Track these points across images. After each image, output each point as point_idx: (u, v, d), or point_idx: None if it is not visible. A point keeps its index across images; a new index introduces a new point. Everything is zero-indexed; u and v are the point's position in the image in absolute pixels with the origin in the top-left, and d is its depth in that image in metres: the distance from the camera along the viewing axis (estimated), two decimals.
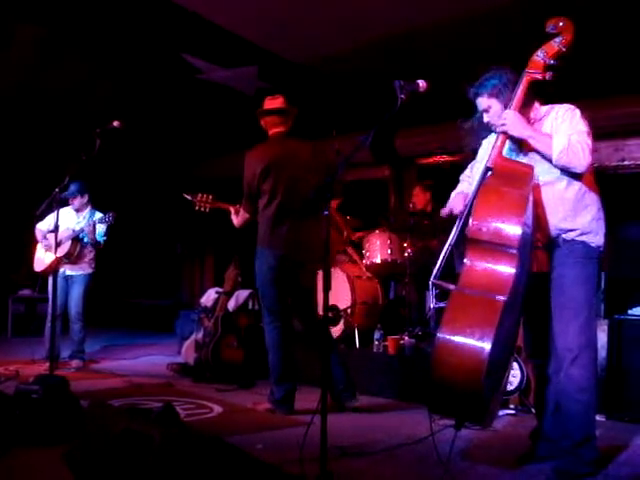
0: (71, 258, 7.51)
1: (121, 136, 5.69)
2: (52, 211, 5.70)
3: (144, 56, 7.97)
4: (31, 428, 4.13)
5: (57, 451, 3.34)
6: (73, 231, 7.45)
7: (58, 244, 7.32)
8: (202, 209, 6.00)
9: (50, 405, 4.23)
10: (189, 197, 6.03)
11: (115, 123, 5.47)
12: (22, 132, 10.03)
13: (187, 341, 7.46)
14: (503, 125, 3.65)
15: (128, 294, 12.83)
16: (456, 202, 3.97)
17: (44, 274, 7.80)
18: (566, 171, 3.60)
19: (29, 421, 4.15)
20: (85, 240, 7.54)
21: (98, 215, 7.59)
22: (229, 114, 6.16)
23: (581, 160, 3.51)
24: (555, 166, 3.60)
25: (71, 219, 7.63)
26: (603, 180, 3.99)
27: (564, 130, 3.60)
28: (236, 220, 5.74)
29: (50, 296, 7.18)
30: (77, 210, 7.68)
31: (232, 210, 5.77)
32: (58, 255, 7.35)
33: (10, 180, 10.78)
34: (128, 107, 8.99)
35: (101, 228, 7.52)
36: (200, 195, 6.00)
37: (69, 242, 7.45)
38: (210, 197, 5.99)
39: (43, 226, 7.62)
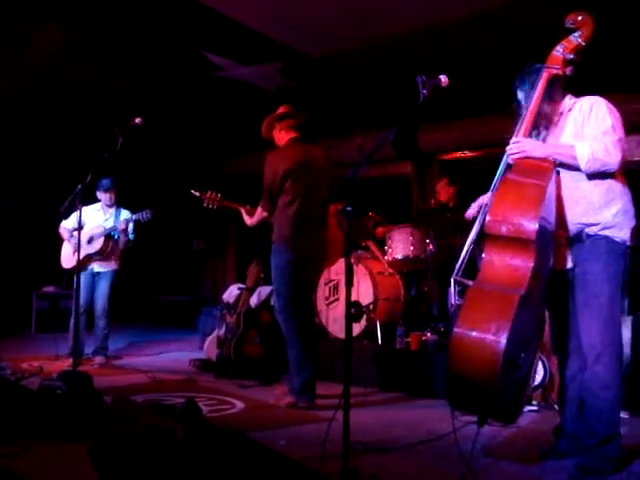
0: (104, 254, 7.57)
1: (145, 133, 5.72)
2: (76, 208, 5.75)
3: (166, 53, 8.00)
4: (55, 423, 4.17)
5: (80, 446, 3.36)
6: (104, 228, 7.53)
7: (89, 240, 7.43)
8: (210, 206, 6.07)
9: (74, 401, 4.26)
10: (197, 194, 6.10)
11: (137, 120, 5.49)
12: (45, 130, 10.10)
13: (209, 337, 7.48)
14: (522, 152, 3.60)
15: (151, 290, 12.90)
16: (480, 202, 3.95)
17: (73, 271, 7.85)
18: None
19: (53, 416, 4.19)
20: (116, 237, 7.61)
21: (125, 213, 7.65)
22: (255, 111, 6.21)
23: (610, 160, 3.48)
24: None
25: (98, 216, 7.70)
26: (627, 175, 3.95)
27: (588, 133, 3.57)
28: (250, 220, 5.84)
29: (76, 293, 7.22)
30: (109, 206, 7.76)
31: (243, 211, 5.90)
32: (91, 251, 7.45)
33: (33, 177, 10.86)
34: (152, 104, 9.02)
35: (130, 226, 7.59)
36: (209, 193, 6.06)
37: (102, 239, 7.53)
38: (219, 195, 6.05)
39: (69, 224, 7.67)
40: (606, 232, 3.61)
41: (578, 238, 3.66)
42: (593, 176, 3.58)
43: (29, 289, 10.62)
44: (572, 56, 3.63)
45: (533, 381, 5.06)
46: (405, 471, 3.76)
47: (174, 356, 8.42)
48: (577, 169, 3.57)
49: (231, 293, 7.75)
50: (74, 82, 8.65)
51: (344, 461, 3.20)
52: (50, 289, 10.68)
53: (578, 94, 3.79)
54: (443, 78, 3.70)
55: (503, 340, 3.12)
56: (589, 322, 3.59)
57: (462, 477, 3.52)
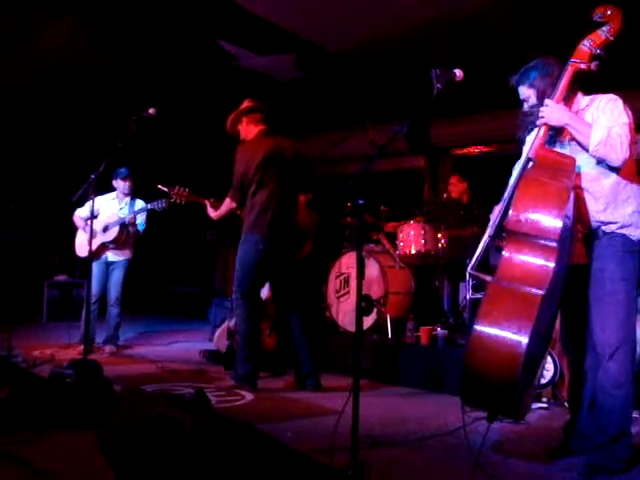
0: (118, 243, 7.60)
1: (159, 123, 5.73)
2: (90, 198, 5.78)
3: (182, 43, 8.01)
4: (65, 411, 4.18)
5: (90, 434, 3.37)
6: (119, 217, 7.57)
7: (104, 229, 7.47)
8: (178, 201, 6.19)
9: (84, 389, 4.28)
10: (165, 189, 6.19)
11: (151, 110, 5.49)
12: (58, 119, 10.11)
13: (219, 328, 7.48)
14: (542, 117, 3.60)
15: (162, 281, 12.92)
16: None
17: (87, 259, 7.86)
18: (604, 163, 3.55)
19: (63, 404, 4.21)
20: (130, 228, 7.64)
21: (139, 203, 7.69)
22: (269, 101, 6.23)
23: (618, 154, 3.44)
24: (592, 157, 3.54)
25: (113, 205, 7.73)
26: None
27: (604, 121, 3.53)
28: (214, 213, 5.97)
29: (88, 282, 7.24)
30: (126, 194, 7.80)
31: (208, 204, 6.01)
32: (106, 240, 7.47)
33: (45, 166, 10.88)
34: (164, 94, 9.02)
35: (141, 218, 7.61)
36: (177, 188, 6.16)
37: (117, 228, 7.55)
38: (186, 190, 6.16)
39: (83, 212, 7.69)
40: (623, 230, 3.57)
41: (595, 235, 3.63)
42: (612, 174, 3.55)
43: (41, 278, 10.66)
44: (599, 51, 3.56)
45: (543, 377, 5.06)
46: (414, 465, 3.75)
47: (184, 346, 8.44)
48: (583, 147, 3.54)
49: None
50: (87, 72, 8.65)
51: (352, 454, 3.19)
52: (61, 278, 10.72)
53: (591, 90, 3.75)
54: (458, 72, 3.67)
55: (525, 340, 3.10)
56: (605, 319, 3.57)
57: (471, 472, 3.52)
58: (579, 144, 3.56)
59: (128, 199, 7.79)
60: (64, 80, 8.83)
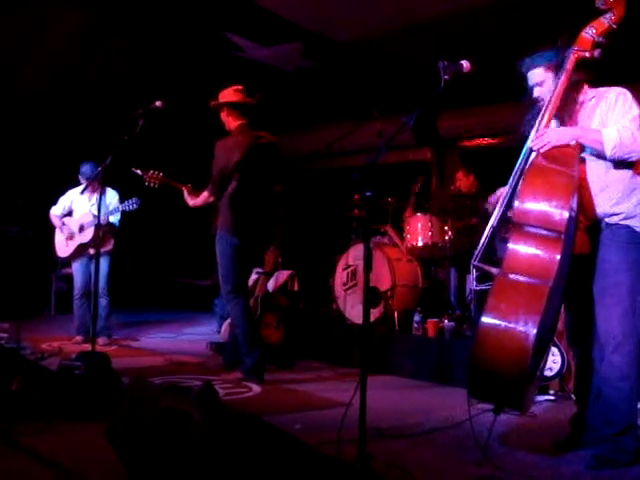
0: (96, 242, 7.48)
1: (165, 116, 5.73)
2: (101, 191, 5.74)
3: (188, 35, 8.00)
4: (73, 403, 4.21)
5: (98, 426, 3.38)
6: (93, 216, 7.44)
7: (81, 229, 7.40)
8: (152, 185, 6.08)
9: (92, 381, 4.30)
10: (139, 172, 6.12)
11: (157, 103, 5.47)
12: (65, 112, 10.12)
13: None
14: (548, 143, 3.50)
15: (168, 273, 12.92)
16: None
17: (68, 259, 7.87)
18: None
19: (72, 396, 4.23)
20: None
21: (111, 193, 7.67)
22: (277, 92, 6.19)
23: (636, 147, 3.41)
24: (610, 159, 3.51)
25: (84, 201, 7.63)
26: None
27: (614, 119, 3.50)
28: (192, 201, 5.97)
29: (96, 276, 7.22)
30: (92, 192, 7.59)
31: (185, 190, 5.97)
32: (84, 241, 7.44)
33: (54, 160, 10.89)
34: (172, 86, 9.02)
35: (114, 218, 7.58)
36: (151, 172, 6.07)
37: (92, 229, 7.44)
38: (160, 174, 6.08)
39: (57, 210, 7.67)
40: (627, 222, 3.55)
41: (599, 226, 3.61)
42: (618, 165, 3.53)
43: (48, 271, 10.69)
44: (602, 39, 3.52)
45: (550, 370, 5.06)
46: (421, 458, 3.75)
47: (192, 339, 8.45)
48: (600, 154, 3.50)
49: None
50: (95, 65, 8.66)
51: (360, 447, 3.20)
52: (69, 270, 10.72)
53: (595, 84, 3.72)
54: (465, 64, 3.65)
55: (533, 332, 3.09)
56: (609, 311, 3.56)
57: (478, 464, 3.52)
58: (595, 152, 3.53)
59: (97, 194, 7.63)
60: (71, 74, 8.83)
